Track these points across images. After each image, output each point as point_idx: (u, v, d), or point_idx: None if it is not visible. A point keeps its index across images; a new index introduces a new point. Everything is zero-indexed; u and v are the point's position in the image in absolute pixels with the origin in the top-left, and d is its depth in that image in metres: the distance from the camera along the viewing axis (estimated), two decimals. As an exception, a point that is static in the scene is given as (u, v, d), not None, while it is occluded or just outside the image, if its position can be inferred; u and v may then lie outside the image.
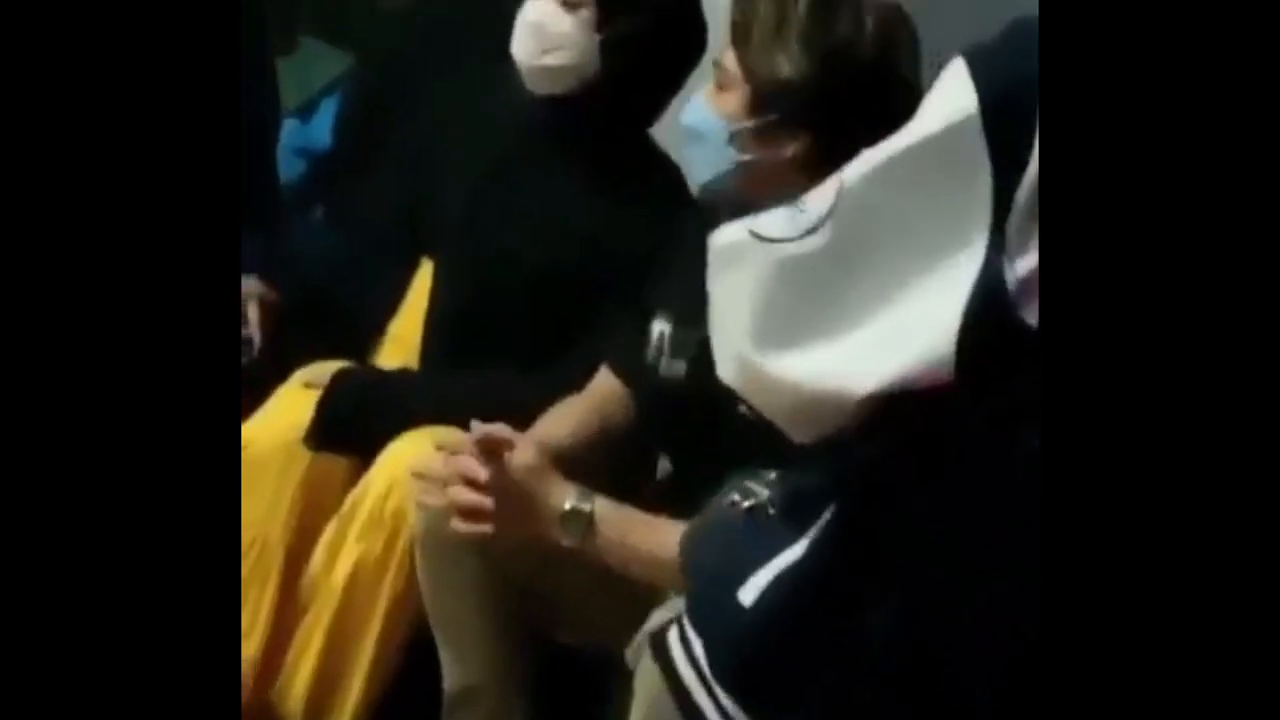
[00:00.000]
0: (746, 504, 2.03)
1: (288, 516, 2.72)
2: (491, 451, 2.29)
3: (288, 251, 3.08)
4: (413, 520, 2.52)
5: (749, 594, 1.92)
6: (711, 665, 1.94)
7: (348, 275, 3.01)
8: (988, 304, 1.70)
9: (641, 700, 2.05)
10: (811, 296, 1.81)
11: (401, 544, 2.60)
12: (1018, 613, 1.72)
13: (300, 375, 2.80)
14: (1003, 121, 1.70)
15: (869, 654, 1.89)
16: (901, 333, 1.76)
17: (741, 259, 1.87)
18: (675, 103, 2.69)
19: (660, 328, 2.50)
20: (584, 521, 2.27)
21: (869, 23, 2.35)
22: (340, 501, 2.68)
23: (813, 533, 1.92)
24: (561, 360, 2.65)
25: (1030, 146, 1.69)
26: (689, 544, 2.15)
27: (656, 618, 2.14)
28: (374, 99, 3.31)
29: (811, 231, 1.81)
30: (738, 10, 2.40)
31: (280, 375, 2.83)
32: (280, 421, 2.75)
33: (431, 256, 2.91)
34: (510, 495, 2.28)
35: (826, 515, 1.92)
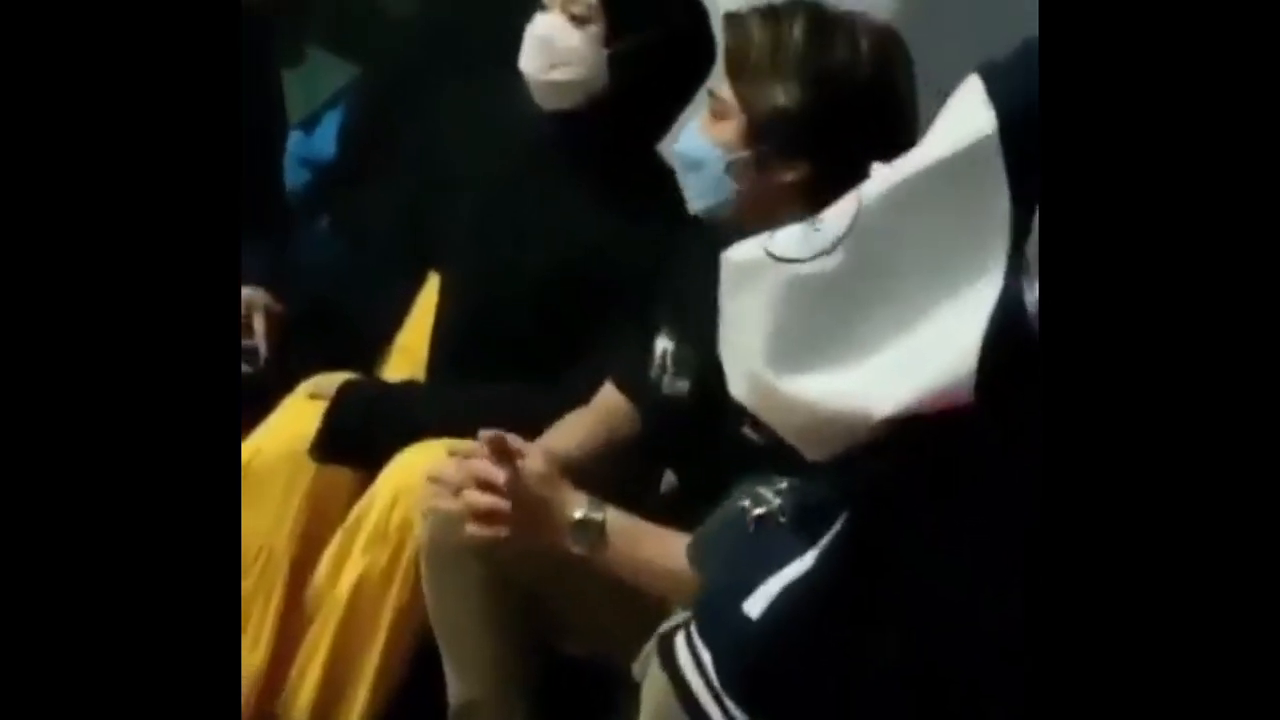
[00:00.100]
0: (757, 511, 2.03)
1: (293, 527, 2.72)
2: (504, 455, 2.29)
3: (293, 262, 3.09)
4: (418, 531, 2.53)
5: (756, 604, 1.93)
6: (719, 674, 1.94)
7: (354, 286, 3.01)
8: (1007, 326, 1.71)
9: (649, 708, 2.05)
10: (827, 317, 1.81)
11: (407, 556, 2.60)
12: (1027, 632, 1.72)
13: (306, 386, 2.80)
14: (1020, 142, 1.71)
15: (878, 669, 1.90)
16: (920, 355, 1.76)
17: (755, 277, 1.88)
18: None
19: (663, 345, 2.50)
20: (595, 531, 2.27)
21: (864, 46, 2.35)
22: (346, 512, 2.68)
23: (822, 544, 1.93)
24: (568, 374, 2.65)
25: None
26: (698, 547, 2.15)
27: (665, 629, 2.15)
28: (377, 108, 3.31)
29: (827, 252, 1.81)
30: (732, 39, 2.39)
31: (286, 386, 2.82)
32: (286, 432, 2.75)
33: (438, 269, 2.91)
34: (524, 500, 2.28)
35: (837, 527, 1.92)
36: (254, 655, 2.70)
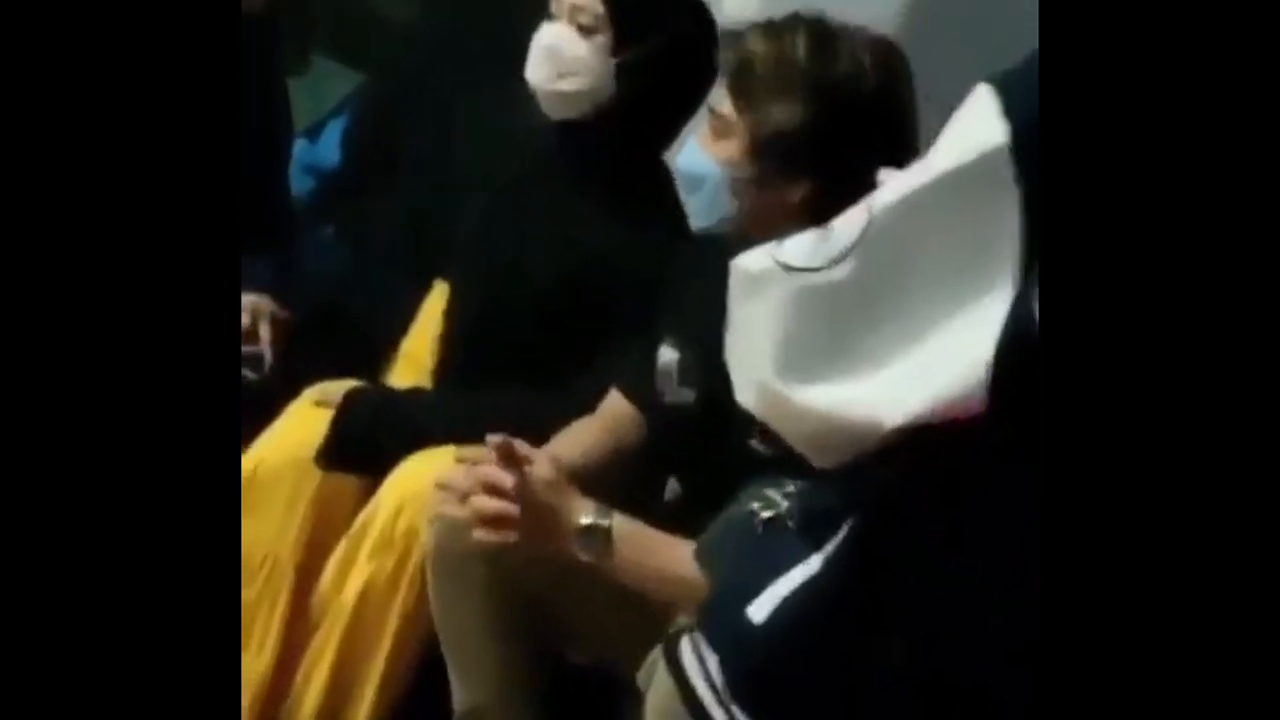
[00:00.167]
0: (766, 514, 2.03)
1: (298, 534, 2.72)
2: (512, 461, 2.29)
3: (299, 269, 3.09)
4: (424, 537, 2.53)
5: (761, 608, 1.93)
6: (725, 679, 1.94)
7: (359, 293, 3.01)
8: (1017, 337, 1.70)
9: (655, 714, 2.06)
10: (838, 326, 1.81)
11: (412, 563, 2.60)
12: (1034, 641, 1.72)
13: (311, 393, 2.80)
14: (1031, 153, 1.70)
15: (883, 676, 1.90)
16: (931, 365, 1.76)
17: (765, 286, 1.87)
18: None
19: (669, 354, 2.50)
20: (602, 537, 2.27)
21: (867, 60, 2.34)
22: (351, 519, 2.68)
23: (828, 549, 1.93)
24: (574, 381, 2.65)
25: None
26: (705, 548, 2.16)
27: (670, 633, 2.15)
28: (380, 114, 3.31)
29: (838, 261, 1.81)
30: (733, 55, 2.38)
31: (291, 393, 2.82)
32: (291, 439, 2.75)
33: (444, 276, 2.91)
34: (531, 506, 2.28)
35: (843, 532, 1.92)
36: (259, 661, 2.70)
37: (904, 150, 2.18)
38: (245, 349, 2.89)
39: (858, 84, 2.33)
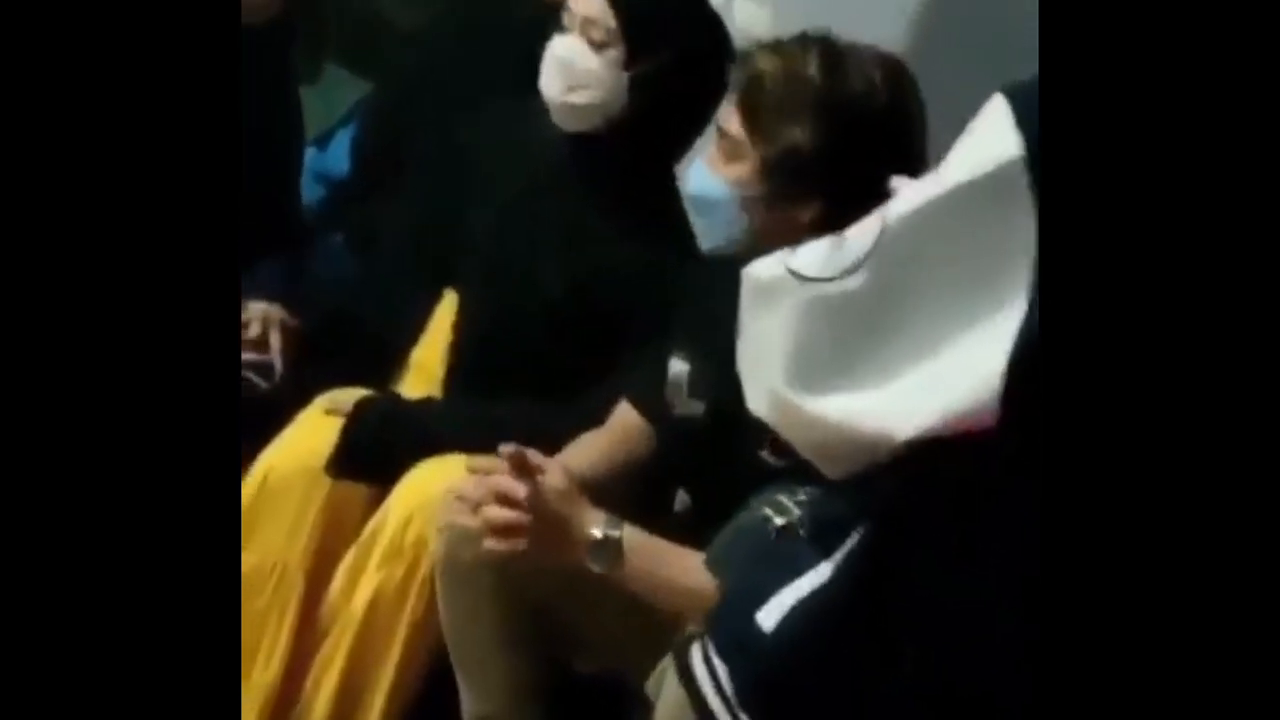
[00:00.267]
0: (779, 521, 2.04)
1: (308, 542, 2.72)
2: (524, 471, 2.29)
3: (309, 277, 3.09)
4: (433, 546, 2.53)
5: (770, 616, 1.93)
6: (734, 687, 1.95)
7: (369, 301, 3.02)
8: (1032, 349, 1.70)
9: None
10: (851, 337, 1.81)
11: (422, 572, 2.60)
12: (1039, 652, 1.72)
13: (322, 401, 2.80)
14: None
15: (892, 686, 1.90)
16: (944, 377, 1.75)
17: (777, 295, 1.87)
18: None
19: (679, 366, 2.51)
20: (613, 549, 2.27)
21: (876, 78, 2.35)
22: (361, 528, 2.69)
23: (838, 558, 1.93)
24: (584, 392, 2.66)
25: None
26: (716, 554, 2.16)
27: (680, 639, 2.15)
28: (387, 122, 3.31)
29: (851, 271, 1.81)
30: (743, 75, 2.38)
31: (301, 401, 2.82)
32: (301, 447, 2.75)
33: (455, 286, 2.92)
34: (543, 516, 2.29)
35: (852, 542, 1.93)
36: (268, 669, 2.70)
37: (914, 168, 2.18)
38: (255, 357, 2.90)
39: (869, 102, 2.33)
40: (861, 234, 1.81)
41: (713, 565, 2.18)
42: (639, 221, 2.72)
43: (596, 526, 2.29)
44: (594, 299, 2.70)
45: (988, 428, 1.76)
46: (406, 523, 2.63)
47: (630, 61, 2.68)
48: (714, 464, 2.46)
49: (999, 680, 1.85)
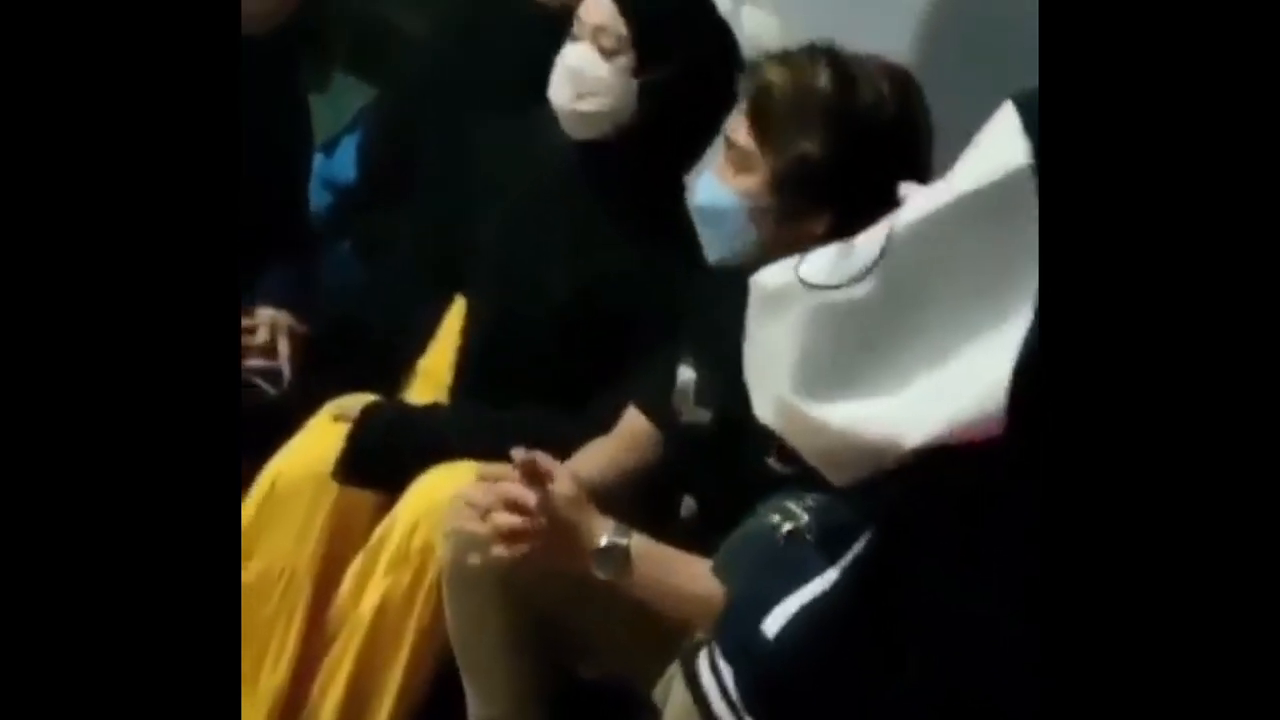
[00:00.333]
0: (787, 528, 2.04)
1: (316, 548, 2.72)
2: (535, 477, 2.30)
3: (318, 284, 3.10)
4: (440, 552, 2.53)
5: (775, 622, 1.93)
6: (740, 693, 1.95)
7: (377, 308, 3.02)
8: (1038, 357, 1.70)
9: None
10: (858, 344, 1.81)
11: (429, 577, 2.61)
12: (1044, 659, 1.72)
13: (330, 408, 2.80)
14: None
15: (897, 693, 1.90)
16: (951, 385, 1.75)
17: (785, 302, 1.87)
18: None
19: (687, 373, 2.51)
20: (620, 557, 2.28)
21: (885, 88, 2.35)
22: (369, 533, 2.69)
23: (843, 564, 1.93)
24: (591, 399, 2.66)
25: None
26: (724, 559, 2.16)
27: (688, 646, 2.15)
28: (392, 128, 3.31)
29: (859, 279, 1.81)
30: (752, 86, 2.39)
31: (309, 408, 2.83)
32: (309, 454, 2.76)
33: (464, 292, 2.92)
34: (553, 523, 2.29)
35: (858, 548, 1.93)
36: (276, 674, 2.71)
37: (921, 178, 2.18)
38: (264, 364, 2.91)
39: (878, 113, 2.34)
40: (869, 242, 1.81)
41: (720, 571, 2.18)
42: (646, 229, 2.72)
43: (604, 534, 2.29)
44: (600, 304, 2.70)
45: (994, 436, 1.76)
46: (413, 529, 2.63)
47: (640, 69, 2.68)
48: (721, 471, 2.46)
49: (1003, 687, 1.85)
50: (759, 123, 2.36)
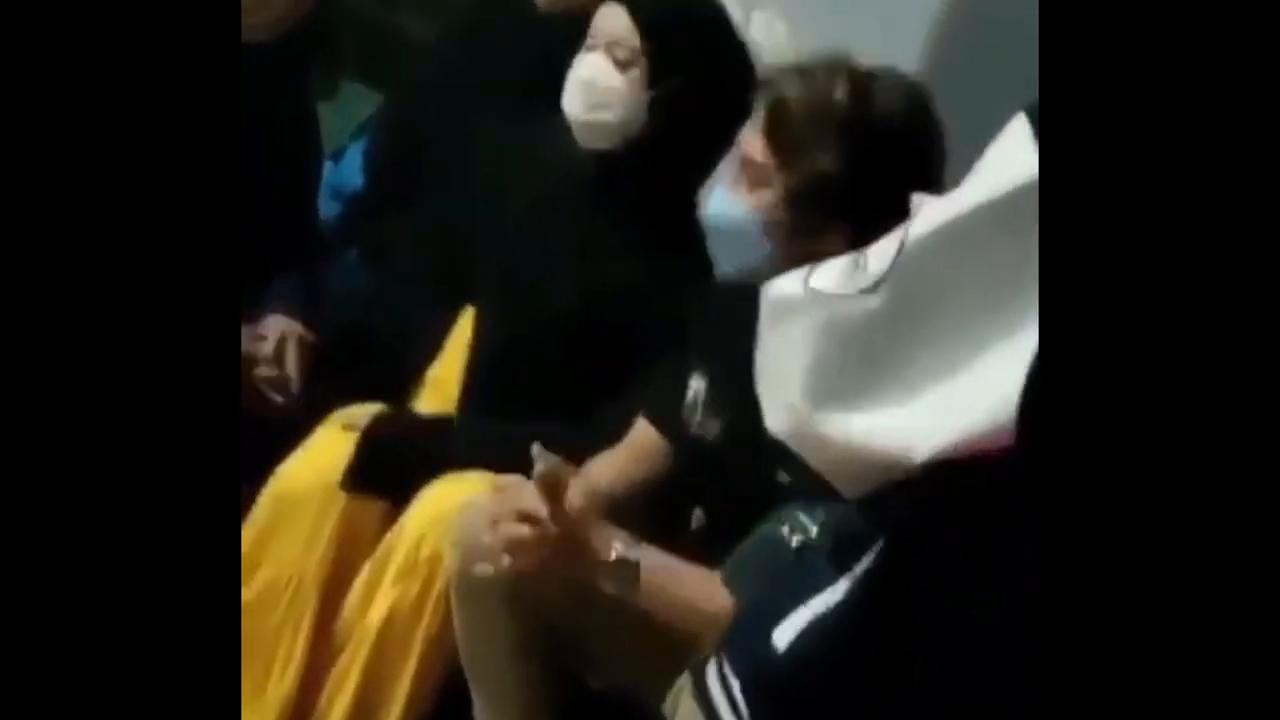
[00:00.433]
0: (797, 539, 2.04)
1: (323, 557, 2.72)
2: (553, 489, 2.29)
3: (326, 292, 3.10)
4: (448, 561, 2.53)
5: (785, 634, 1.93)
6: (748, 705, 1.95)
7: (384, 317, 3.02)
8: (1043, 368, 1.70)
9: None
10: (869, 355, 1.81)
11: (437, 588, 2.61)
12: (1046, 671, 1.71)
13: (339, 417, 2.80)
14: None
15: (906, 706, 1.90)
16: (962, 398, 1.74)
17: (796, 312, 1.87)
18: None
19: (697, 385, 2.51)
20: (630, 569, 2.28)
21: (900, 102, 2.35)
22: (376, 543, 2.69)
23: (853, 576, 1.93)
24: (600, 412, 2.66)
25: None
26: (733, 570, 2.16)
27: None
28: (399, 135, 3.32)
29: (869, 289, 1.81)
30: (770, 100, 2.38)
31: (318, 416, 2.83)
32: (318, 462, 2.76)
33: (473, 301, 2.92)
34: (563, 536, 2.28)
35: (868, 560, 1.92)
36: (283, 683, 2.71)
37: (935, 191, 2.18)
38: (272, 373, 2.91)
39: (894, 127, 2.33)
40: (880, 253, 1.81)
41: (729, 583, 2.18)
42: (656, 239, 2.72)
43: (614, 547, 2.29)
44: (608, 315, 2.71)
45: (1004, 448, 1.76)
46: (421, 538, 2.63)
47: (653, 81, 2.69)
48: (730, 482, 2.46)
49: (1011, 700, 1.85)
50: (775, 137, 2.36)
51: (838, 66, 2.36)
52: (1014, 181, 1.72)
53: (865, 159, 2.32)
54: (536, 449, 2.27)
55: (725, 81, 2.67)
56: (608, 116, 2.70)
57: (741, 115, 2.52)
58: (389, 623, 2.64)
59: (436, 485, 2.66)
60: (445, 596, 2.57)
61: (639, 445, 2.59)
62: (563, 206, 2.81)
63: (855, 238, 2.18)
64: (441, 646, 2.62)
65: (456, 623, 2.53)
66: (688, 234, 2.65)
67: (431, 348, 2.96)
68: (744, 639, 1.99)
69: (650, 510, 2.56)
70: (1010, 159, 1.73)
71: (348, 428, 2.77)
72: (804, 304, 1.86)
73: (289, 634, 2.72)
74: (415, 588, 2.63)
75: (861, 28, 2.73)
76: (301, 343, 2.92)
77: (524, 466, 2.33)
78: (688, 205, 2.71)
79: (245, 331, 2.87)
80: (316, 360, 2.94)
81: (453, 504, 2.55)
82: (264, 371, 2.90)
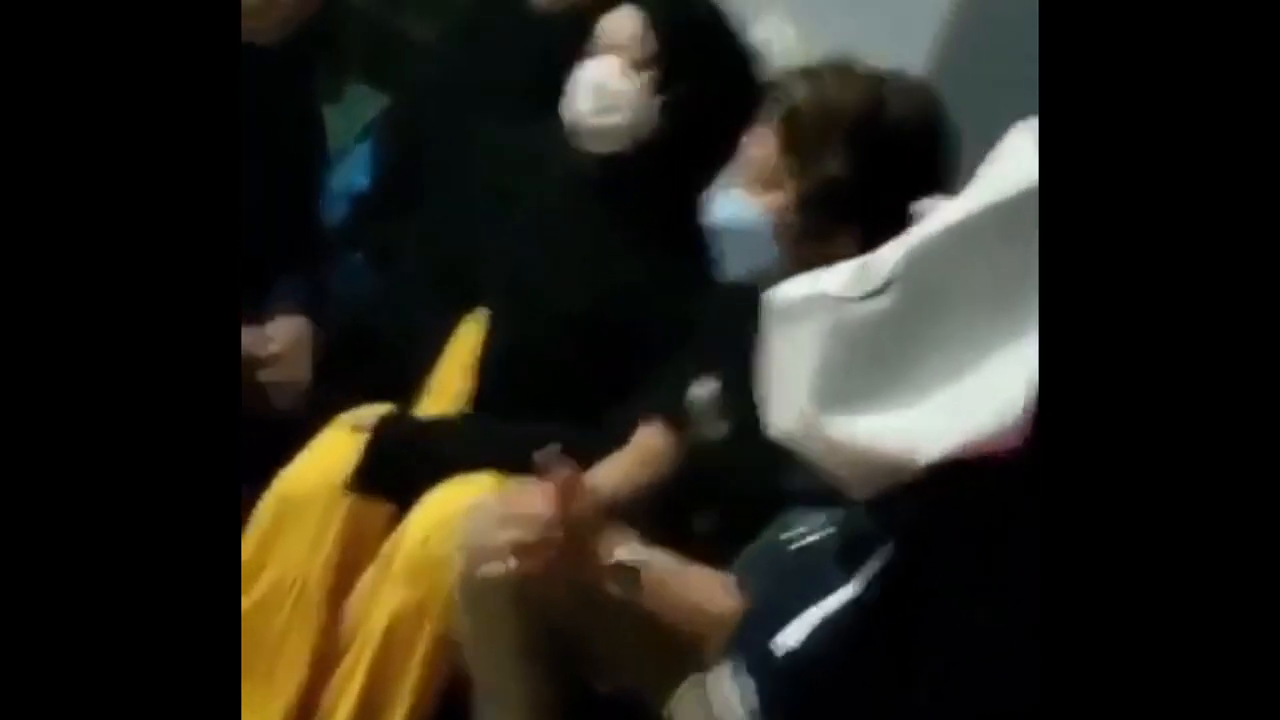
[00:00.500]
0: (805, 541, 2.04)
1: (328, 558, 2.72)
2: (565, 495, 2.29)
3: (332, 293, 3.10)
4: (453, 564, 2.53)
5: (794, 634, 1.93)
6: (757, 708, 1.95)
7: (389, 319, 3.02)
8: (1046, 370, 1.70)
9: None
10: (876, 358, 1.82)
11: (441, 591, 2.60)
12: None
13: (345, 418, 2.80)
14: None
15: (913, 707, 1.90)
16: (969, 400, 1.76)
17: (804, 314, 1.88)
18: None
19: (703, 388, 2.51)
20: (636, 572, 2.28)
21: (908, 105, 2.36)
22: (381, 544, 2.69)
23: (862, 577, 1.93)
24: (608, 414, 2.66)
25: None
26: (742, 570, 2.16)
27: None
28: (404, 136, 3.32)
29: (878, 292, 1.82)
30: (782, 104, 2.39)
31: (323, 418, 2.82)
32: (323, 463, 2.76)
33: (481, 303, 2.92)
34: (569, 539, 2.29)
35: (878, 561, 1.93)
36: (288, 685, 2.70)
37: (943, 194, 2.18)
38: (278, 374, 2.90)
39: (904, 131, 2.34)
40: (888, 256, 1.83)
41: (737, 585, 2.18)
42: (662, 242, 2.72)
43: (621, 551, 2.29)
44: (615, 317, 2.70)
45: (1012, 449, 1.76)
46: (425, 540, 2.63)
47: (664, 85, 2.69)
48: (739, 485, 2.46)
49: (1019, 700, 1.85)
50: (786, 141, 2.37)
51: (846, 70, 2.36)
52: (1018, 184, 1.74)
53: (875, 163, 2.32)
54: (548, 453, 2.27)
55: (734, 86, 2.67)
56: (617, 120, 2.70)
57: (750, 120, 2.54)
58: (394, 624, 2.64)
59: (442, 487, 2.66)
60: (450, 598, 2.56)
61: (645, 448, 2.59)
62: (568, 209, 2.82)
63: (865, 241, 2.20)
64: (445, 649, 2.62)
65: (461, 625, 2.53)
66: (695, 237, 2.66)
67: (436, 349, 2.95)
68: (751, 641, 1.99)
69: (657, 512, 2.56)
70: (1015, 163, 1.76)
71: (356, 429, 2.77)
72: (812, 306, 1.87)
73: (294, 635, 2.71)
74: (420, 589, 2.63)
75: (870, 30, 2.73)
76: (307, 344, 2.92)
77: (531, 468, 2.33)
78: (693, 208, 2.72)
79: (249, 333, 2.86)
80: (322, 362, 2.93)
81: (458, 506, 2.55)
82: (270, 373, 2.89)
